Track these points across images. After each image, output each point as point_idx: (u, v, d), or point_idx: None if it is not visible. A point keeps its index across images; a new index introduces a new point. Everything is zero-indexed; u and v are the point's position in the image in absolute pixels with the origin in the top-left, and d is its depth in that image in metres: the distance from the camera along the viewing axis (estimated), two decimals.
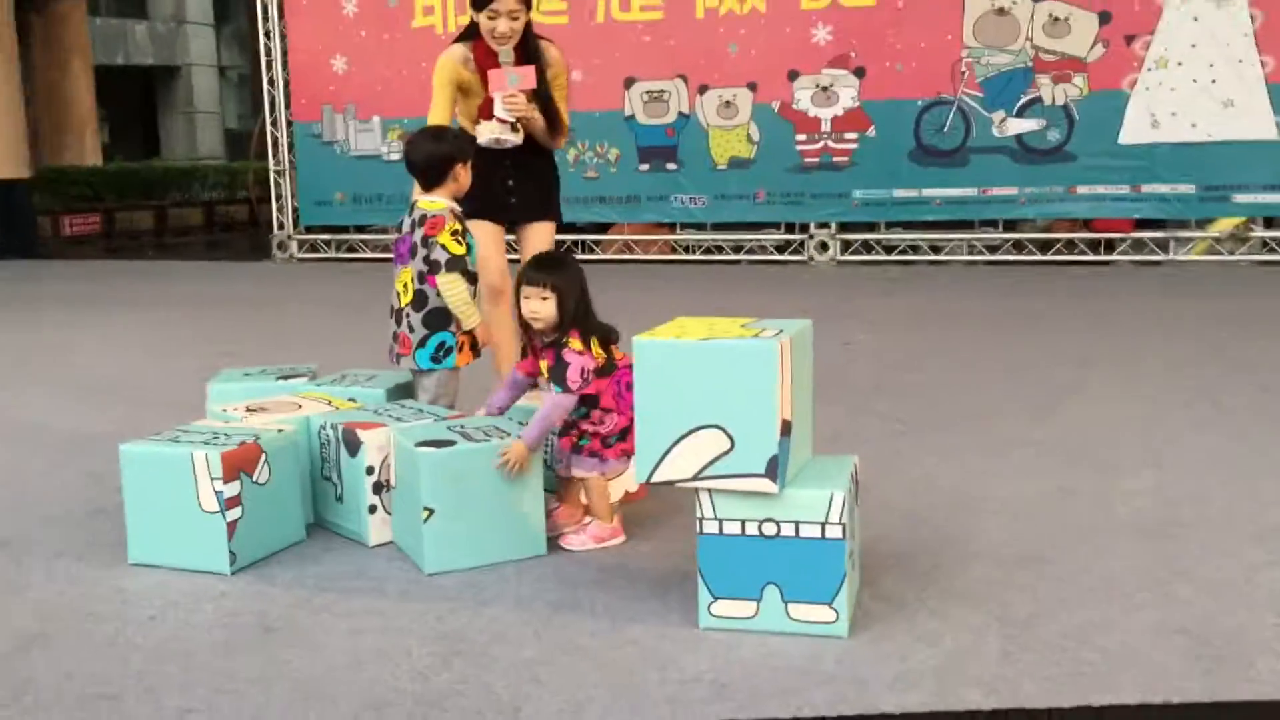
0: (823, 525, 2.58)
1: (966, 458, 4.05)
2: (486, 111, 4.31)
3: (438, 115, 4.33)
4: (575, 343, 3.20)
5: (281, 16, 12.53)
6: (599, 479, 3.28)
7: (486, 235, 4.34)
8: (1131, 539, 3.18)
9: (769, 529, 2.61)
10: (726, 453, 2.58)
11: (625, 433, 3.25)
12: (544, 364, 3.28)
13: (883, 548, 3.16)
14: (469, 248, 3.79)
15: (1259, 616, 2.65)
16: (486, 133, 4.28)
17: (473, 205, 4.07)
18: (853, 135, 10.58)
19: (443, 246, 3.70)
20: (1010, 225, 10.73)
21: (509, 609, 2.82)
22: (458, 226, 3.75)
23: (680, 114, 11.11)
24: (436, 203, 3.80)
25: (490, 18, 4.23)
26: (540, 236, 4.53)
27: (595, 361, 3.21)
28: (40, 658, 2.59)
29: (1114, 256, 10.22)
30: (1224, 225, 9.92)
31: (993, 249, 10.61)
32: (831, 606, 2.59)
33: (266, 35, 12.64)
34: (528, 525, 3.17)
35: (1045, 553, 3.09)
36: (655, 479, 2.65)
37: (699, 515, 2.65)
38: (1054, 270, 9.91)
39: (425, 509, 3.03)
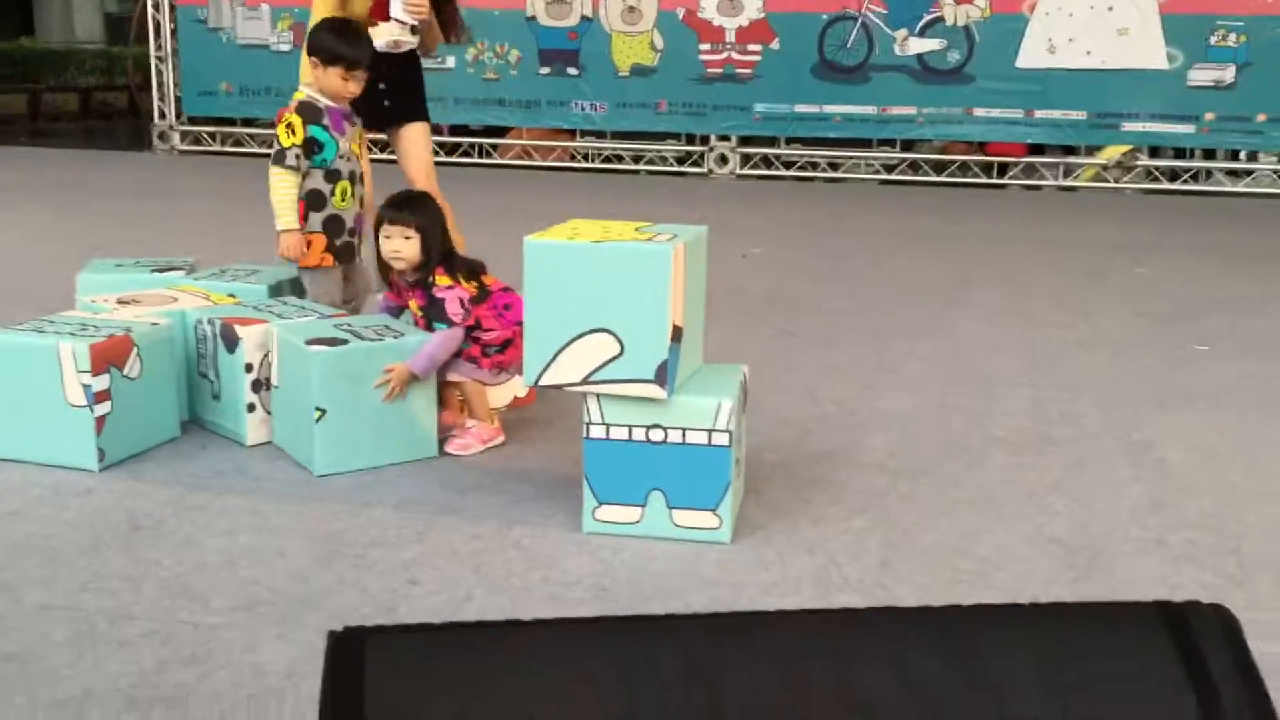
0: (709, 432, 2.58)
1: (855, 372, 4.09)
2: (380, 13, 4.09)
3: (321, 10, 4.01)
4: (443, 279, 3.15)
5: None
6: (475, 383, 3.24)
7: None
8: (1008, 454, 3.25)
9: (656, 435, 2.60)
10: (616, 357, 2.55)
11: (505, 345, 3.22)
12: (414, 304, 3.23)
13: (770, 458, 3.19)
14: (319, 144, 3.55)
15: (1124, 527, 2.74)
16: (383, 35, 4.06)
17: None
18: (757, 47, 10.48)
19: (276, 138, 3.56)
20: (908, 145, 10.80)
21: (391, 511, 2.77)
22: (293, 120, 3.54)
23: (583, 17, 10.86)
24: (298, 92, 3.64)
25: None
26: (418, 137, 4.35)
27: (468, 291, 3.16)
28: None
29: (1006, 180, 10.38)
30: (1111, 153, 10.13)
31: (890, 168, 10.69)
32: (715, 513, 2.60)
33: None
34: (419, 427, 3.11)
35: (927, 465, 3.16)
36: (543, 382, 2.61)
37: (586, 420, 2.63)
38: (948, 192, 10.03)
39: (317, 409, 2.94)
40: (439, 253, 3.17)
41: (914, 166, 10.67)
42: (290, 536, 2.60)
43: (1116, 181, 10.14)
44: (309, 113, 3.55)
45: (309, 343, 2.99)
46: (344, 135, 3.61)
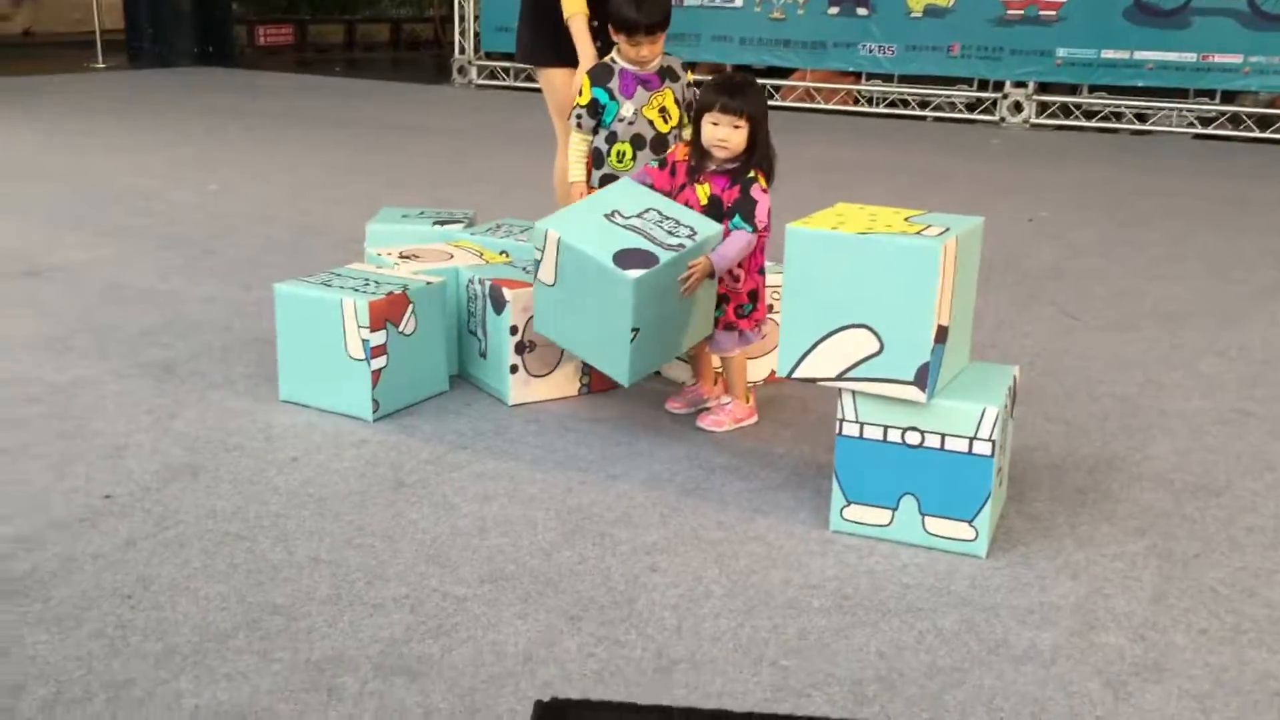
0: (971, 440, 2.43)
1: (1143, 364, 3.78)
2: None
3: None
4: (762, 179, 3.04)
5: None
6: (739, 356, 3.18)
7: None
8: None
9: (912, 438, 2.47)
10: (875, 355, 2.44)
11: (754, 296, 3.14)
12: (704, 190, 3.07)
13: (1038, 459, 2.99)
14: (600, 105, 3.53)
15: None
16: None
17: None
18: None
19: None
20: (1229, 97, 9.83)
21: (639, 487, 2.78)
22: (584, 81, 3.60)
23: None
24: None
25: None
26: None
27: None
28: (186, 490, 2.69)
29: None
30: None
31: (1206, 122, 9.77)
32: (971, 524, 2.46)
33: None
34: (703, 311, 3.08)
35: (1218, 482, 2.87)
36: (798, 374, 2.53)
37: (839, 416, 2.53)
38: (1273, 150, 9.09)
39: (633, 330, 2.88)
40: (765, 147, 3.04)
41: (1234, 120, 9.71)
42: (540, 506, 2.66)
43: None
44: (599, 75, 3.56)
45: (617, 262, 2.85)
46: (631, 99, 3.55)
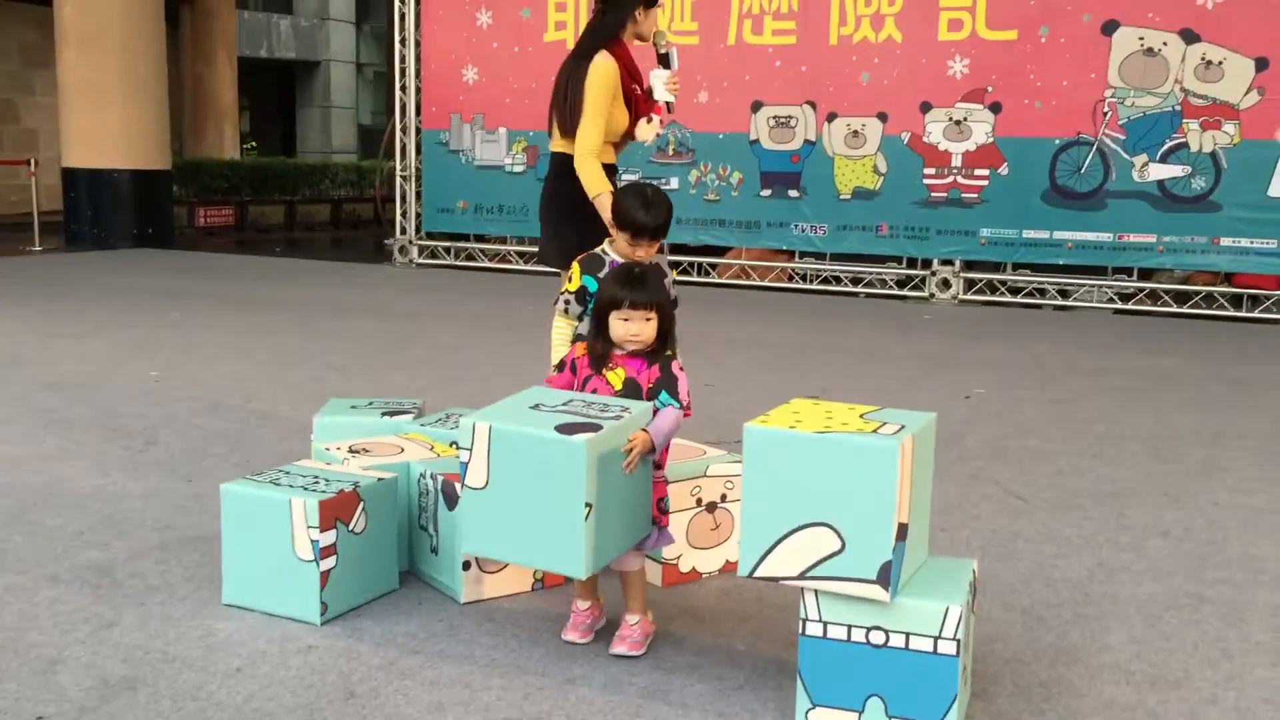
0: (935, 640, 2.41)
1: (1093, 546, 3.81)
2: (648, 108, 4.25)
3: (599, 131, 4.10)
4: (678, 357, 3.02)
5: (418, 25, 12.70)
6: (643, 565, 3.01)
7: None
8: (1273, 665, 2.92)
9: (877, 637, 2.45)
10: (836, 553, 2.43)
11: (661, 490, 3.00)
12: (617, 375, 2.95)
13: (998, 651, 2.97)
14: (589, 293, 3.45)
15: None
16: (653, 131, 4.26)
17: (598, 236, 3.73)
18: (984, 172, 10.27)
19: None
20: (1146, 274, 10.28)
21: (598, 691, 2.71)
22: (574, 268, 3.53)
23: (806, 141, 10.93)
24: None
25: (654, 6, 4.28)
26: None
27: None
28: (125, 709, 2.56)
29: (1256, 314, 9.70)
30: None
31: (1126, 298, 10.17)
32: None
33: (402, 43, 12.83)
34: (644, 501, 2.90)
35: (1174, 674, 2.86)
36: (759, 574, 2.51)
37: (803, 615, 2.50)
38: (1190, 324, 9.45)
39: (586, 505, 2.64)
40: (673, 328, 3.01)
41: (1153, 296, 10.12)
42: (496, 715, 2.57)
43: None
44: (590, 264, 3.50)
45: (561, 430, 2.68)
46: None
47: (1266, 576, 3.57)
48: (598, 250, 3.56)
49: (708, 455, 3.54)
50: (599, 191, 4.01)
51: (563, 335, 3.57)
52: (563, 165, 4.22)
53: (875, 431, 2.45)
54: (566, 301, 3.53)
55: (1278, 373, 7.28)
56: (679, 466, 3.37)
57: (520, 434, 2.73)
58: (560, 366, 3.11)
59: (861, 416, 2.58)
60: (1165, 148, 9.62)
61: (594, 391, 2.98)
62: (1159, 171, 9.67)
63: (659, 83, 4.20)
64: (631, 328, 2.91)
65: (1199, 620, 3.21)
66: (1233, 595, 3.39)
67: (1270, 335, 9.07)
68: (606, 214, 3.70)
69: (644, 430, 2.82)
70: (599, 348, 2.99)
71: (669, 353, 3.00)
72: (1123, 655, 2.97)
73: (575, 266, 3.57)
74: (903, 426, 2.49)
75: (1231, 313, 9.77)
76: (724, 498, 3.43)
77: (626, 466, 2.77)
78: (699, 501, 3.41)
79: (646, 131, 4.22)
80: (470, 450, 2.76)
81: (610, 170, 4.16)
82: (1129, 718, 2.62)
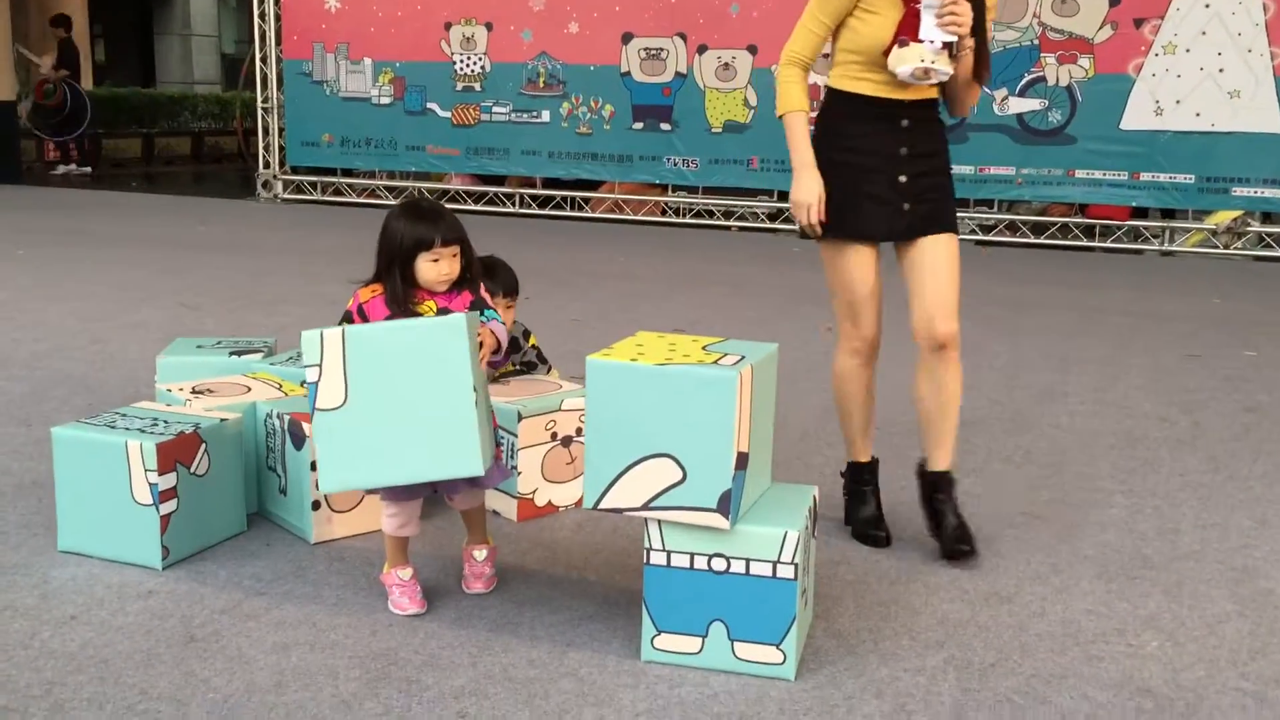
0: (774, 564, 2.47)
1: None
2: (908, 30, 3.00)
3: (805, 36, 3.11)
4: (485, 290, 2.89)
5: None
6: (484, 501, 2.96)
7: (865, 263, 3.28)
8: (1098, 578, 3.07)
9: (718, 564, 2.50)
10: (678, 484, 2.46)
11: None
12: (428, 306, 2.76)
13: (842, 574, 3.06)
14: None
15: (1221, 675, 2.55)
16: (909, 61, 2.99)
17: (836, 215, 3.12)
18: None
19: None
20: (1006, 206, 10.56)
21: (447, 626, 2.71)
22: None
23: (677, 73, 10.88)
24: None
25: None
26: (941, 254, 3.21)
27: None
28: None
29: (1108, 244, 10.07)
30: (1221, 218, 9.77)
31: (987, 229, 10.45)
32: (779, 648, 2.48)
33: None
34: (490, 423, 2.78)
35: (1007, 589, 2.99)
36: (603, 505, 2.53)
37: (646, 545, 2.53)
38: (1046, 254, 9.77)
39: (473, 389, 2.51)
40: (475, 260, 2.85)
41: (1011, 227, 10.42)
42: (343, 654, 2.55)
43: (1226, 247, 9.77)
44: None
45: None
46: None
47: (1099, 495, 3.74)
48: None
49: (562, 390, 3.54)
50: (784, 110, 3.12)
51: None
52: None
53: (715, 363, 2.47)
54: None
55: (1123, 299, 7.58)
56: (533, 401, 3.36)
57: (383, 329, 2.54)
58: (346, 319, 2.76)
59: (704, 348, 2.60)
60: (1024, 81, 9.85)
61: None
62: (1018, 105, 9.90)
63: (928, 13, 2.97)
64: (443, 268, 2.73)
65: (1032, 538, 3.35)
66: (1066, 514, 3.55)
67: (1119, 264, 9.42)
68: (793, 144, 3.10)
69: (487, 327, 2.72)
70: (398, 291, 2.73)
71: (469, 276, 2.81)
72: (959, 573, 3.08)
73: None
74: (742, 357, 2.52)
75: (1085, 243, 10.12)
76: (579, 431, 3.44)
77: (481, 361, 2.65)
78: (554, 436, 3.41)
79: (895, 61, 3.00)
80: (319, 366, 2.51)
81: (869, 103, 3.10)
82: (961, 632, 2.73)
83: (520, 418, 3.33)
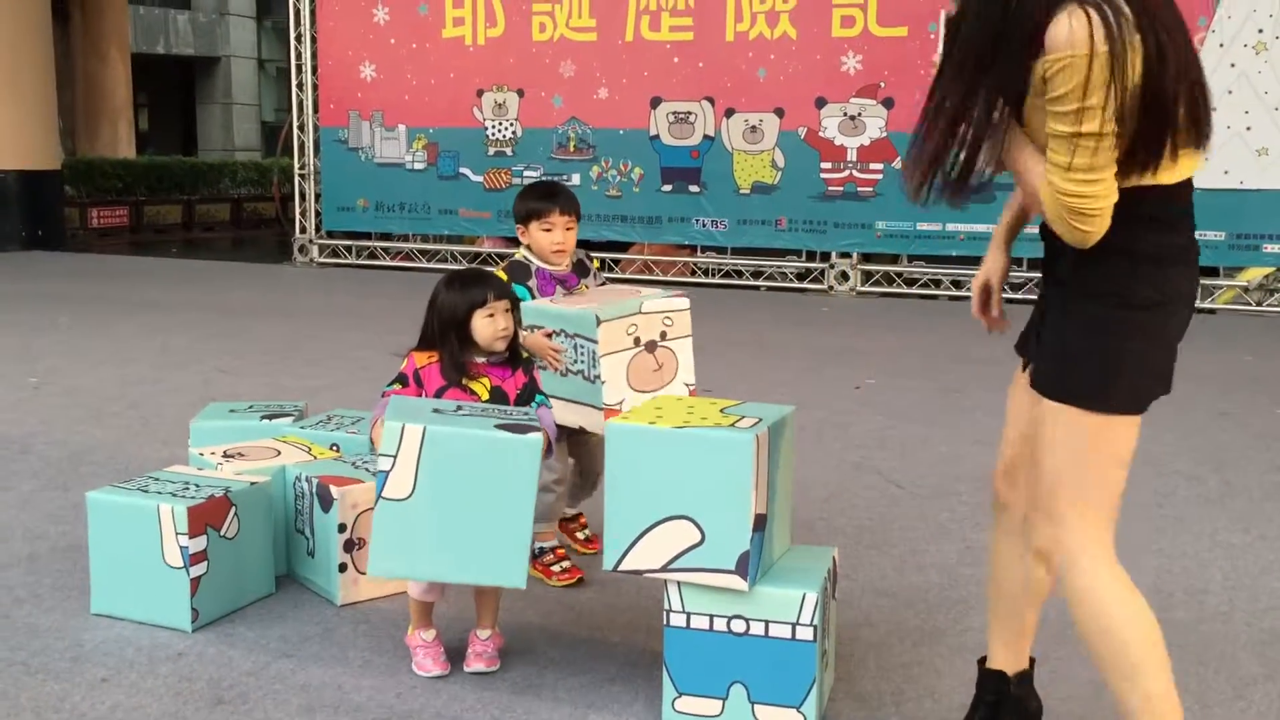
0: (794, 626, 2.48)
1: (963, 532, 3.93)
2: None
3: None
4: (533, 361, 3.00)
5: (314, 21, 12.53)
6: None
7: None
8: None
9: (738, 626, 2.51)
10: (696, 545, 2.48)
11: None
12: (482, 385, 2.86)
13: (865, 635, 3.05)
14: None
15: None
16: None
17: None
18: (878, 165, 10.45)
19: None
20: (1035, 264, 10.56)
21: (469, 688, 2.73)
22: (499, 275, 3.26)
23: (705, 136, 11.02)
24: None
25: None
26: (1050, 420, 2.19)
27: None
28: None
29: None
30: (1253, 274, 9.73)
31: (1016, 287, 10.44)
32: (800, 710, 2.48)
33: (298, 39, 12.64)
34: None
35: (1034, 651, 2.97)
36: (623, 567, 2.55)
37: (666, 607, 2.55)
38: None
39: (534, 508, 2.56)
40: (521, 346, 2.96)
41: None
42: (366, 716, 2.58)
43: (1258, 304, 9.72)
44: (516, 271, 3.39)
45: (504, 429, 2.54)
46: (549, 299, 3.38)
47: (1126, 554, 3.67)
48: (519, 257, 3.47)
49: (641, 294, 3.34)
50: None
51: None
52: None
53: (732, 426, 2.50)
54: None
55: None
56: (611, 306, 3.19)
57: (463, 435, 2.54)
58: (401, 381, 2.87)
59: (721, 411, 2.64)
60: None
61: None
62: None
63: None
64: (499, 323, 2.84)
65: (1058, 601, 3.33)
66: None
67: None
68: None
69: (543, 429, 2.75)
70: (455, 356, 2.84)
71: (527, 355, 3.00)
72: (982, 635, 3.06)
73: (500, 274, 3.31)
74: (760, 419, 2.55)
75: None
76: (664, 335, 3.27)
77: None
78: (637, 341, 3.21)
79: None
80: (394, 457, 2.53)
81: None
82: None
83: (599, 321, 3.10)
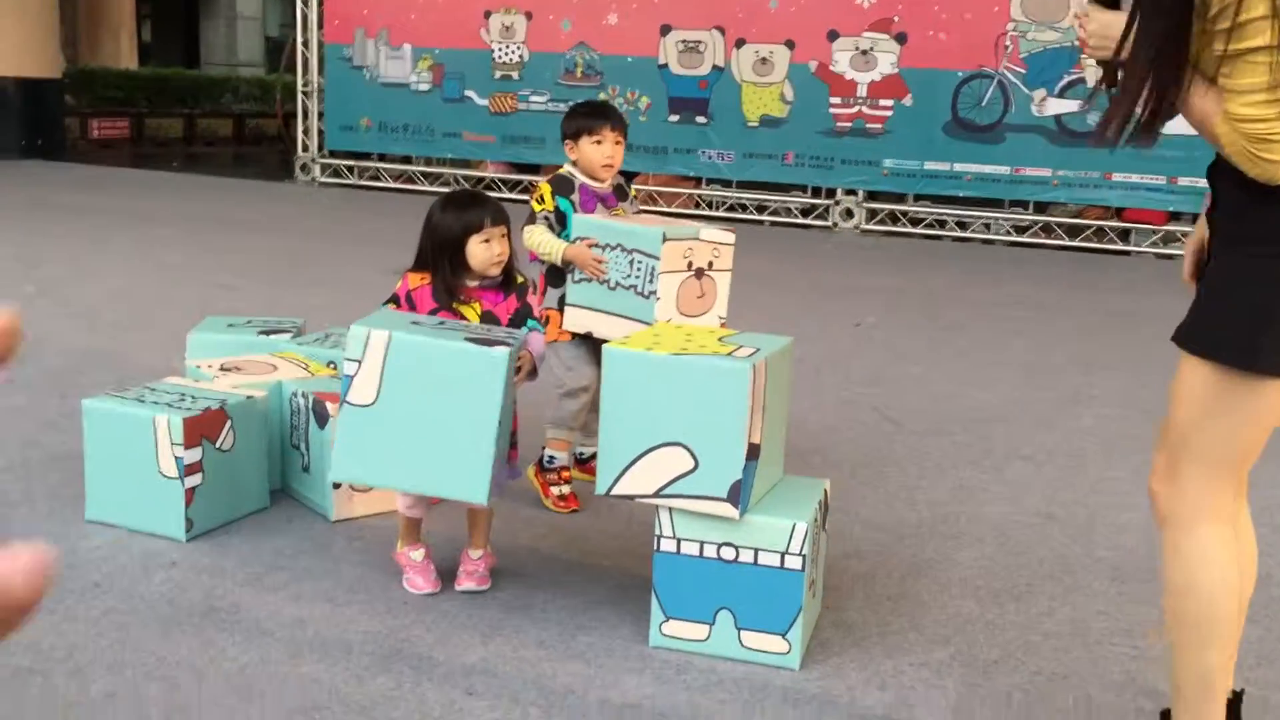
0: (782, 555, 2.50)
1: (957, 469, 3.95)
2: None
3: None
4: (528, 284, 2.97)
5: None
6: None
7: None
8: (1110, 580, 3.08)
9: (727, 553, 2.53)
10: (689, 472, 2.49)
11: None
12: (472, 309, 2.84)
13: (853, 567, 3.08)
14: (562, 217, 3.37)
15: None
16: None
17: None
18: (888, 102, 10.34)
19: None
20: (1040, 207, 10.50)
21: (461, 605, 2.76)
22: (544, 189, 3.43)
23: (715, 67, 10.88)
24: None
25: None
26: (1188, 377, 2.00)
27: None
28: None
29: (1143, 249, 9.98)
30: None
31: (1020, 230, 10.39)
32: (785, 638, 2.51)
33: None
34: (507, 436, 2.74)
35: (1018, 588, 3.00)
36: (616, 491, 2.56)
37: (657, 532, 2.57)
38: (1080, 257, 9.70)
39: (498, 424, 2.50)
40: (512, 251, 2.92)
41: (1046, 229, 10.35)
42: (358, 629, 2.61)
43: None
44: (561, 185, 3.41)
45: (474, 342, 2.49)
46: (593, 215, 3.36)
47: (1118, 497, 3.73)
48: (563, 171, 3.47)
49: (697, 224, 3.35)
50: None
51: (545, 234, 3.33)
52: None
53: (730, 355, 2.50)
54: (547, 219, 3.37)
55: (1155, 305, 7.51)
56: (676, 228, 3.21)
57: (428, 344, 2.49)
58: (394, 302, 2.86)
59: (719, 340, 2.63)
60: (1063, 82, 9.78)
61: None
62: (1056, 106, 9.83)
63: None
64: (495, 249, 2.80)
65: (1047, 538, 3.36)
66: (1083, 515, 3.55)
67: (1153, 269, 9.35)
68: None
69: (528, 351, 2.78)
70: (446, 280, 2.81)
71: (521, 280, 2.95)
72: (971, 571, 3.10)
73: (545, 187, 3.43)
74: (757, 349, 2.55)
75: (1120, 246, 10.04)
76: (710, 265, 3.27)
77: (517, 383, 2.69)
78: (689, 265, 3.21)
79: None
80: (359, 362, 2.51)
81: None
82: (969, 628, 2.75)
83: (665, 239, 3.10)
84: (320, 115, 12.73)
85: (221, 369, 3.49)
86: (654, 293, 3.12)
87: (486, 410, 2.49)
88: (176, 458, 3.00)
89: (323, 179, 12.77)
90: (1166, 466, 2.05)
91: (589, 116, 3.47)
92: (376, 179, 12.60)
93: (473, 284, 2.86)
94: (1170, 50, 1.83)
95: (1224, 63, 1.78)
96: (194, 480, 3.03)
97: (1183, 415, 2.00)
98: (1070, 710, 2.40)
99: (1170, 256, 9.84)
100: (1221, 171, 1.91)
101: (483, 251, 2.80)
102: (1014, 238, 10.33)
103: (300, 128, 12.88)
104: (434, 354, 2.50)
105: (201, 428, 3.05)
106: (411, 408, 2.52)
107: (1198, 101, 1.85)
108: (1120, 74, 1.94)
